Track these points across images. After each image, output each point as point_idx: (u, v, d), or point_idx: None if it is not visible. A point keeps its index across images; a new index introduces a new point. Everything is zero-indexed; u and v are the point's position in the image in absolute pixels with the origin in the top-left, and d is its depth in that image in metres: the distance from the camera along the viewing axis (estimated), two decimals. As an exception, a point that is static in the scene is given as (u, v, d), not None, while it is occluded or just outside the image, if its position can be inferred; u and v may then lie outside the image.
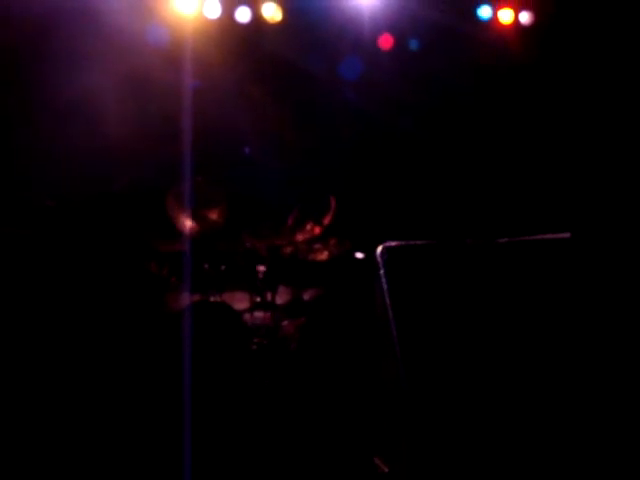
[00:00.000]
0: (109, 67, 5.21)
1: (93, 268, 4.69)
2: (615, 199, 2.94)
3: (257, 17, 5.60)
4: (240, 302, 4.96)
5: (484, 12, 5.73)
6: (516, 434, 2.60)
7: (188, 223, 4.85)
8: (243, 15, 5.58)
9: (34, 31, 4.92)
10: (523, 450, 2.58)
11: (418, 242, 2.78)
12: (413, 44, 5.88)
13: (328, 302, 4.89)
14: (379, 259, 2.70)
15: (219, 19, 5.52)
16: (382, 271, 2.67)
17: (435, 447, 2.63)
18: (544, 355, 2.69)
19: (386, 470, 2.83)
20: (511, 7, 5.74)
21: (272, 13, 5.58)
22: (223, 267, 4.91)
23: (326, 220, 5.07)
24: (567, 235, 2.75)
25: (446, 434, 2.63)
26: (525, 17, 5.74)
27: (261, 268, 4.87)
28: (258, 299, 4.98)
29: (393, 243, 2.74)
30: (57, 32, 4.97)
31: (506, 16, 5.72)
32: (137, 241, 4.85)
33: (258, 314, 4.97)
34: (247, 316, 4.90)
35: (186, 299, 4.67)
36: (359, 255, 5.12)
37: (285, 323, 4.93)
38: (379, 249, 2.72)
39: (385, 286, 2.65)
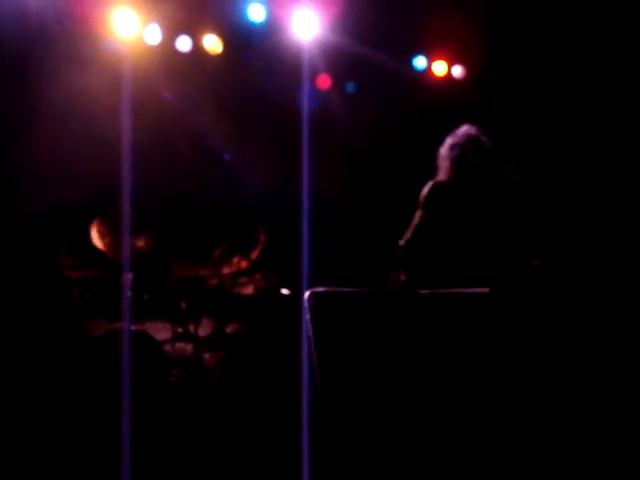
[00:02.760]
0: (43, 84, 5.12)
1: (10, 291, 4.54)
2: (533, 257, 3.10)
3: (198, 47, 5.63)
4: (162, 332, 4.90)
5: (419, 62, 5.94)
6: (433, 470, 2.69)
7: (113, 249, 4.77)
8: (184, 44, 5.59)
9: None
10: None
11: (344, 289, 2.84)
12: (350, 87, 6.03)
13: (251, 336, 4.88)
14: (306, 304, 2.74)
15: (159, 46, 5.51)
16: (308, 316, 2.72)
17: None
18: (458, 402, 2.79)
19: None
20: (445, 60, 5.97)
21: (213, 45, 5.61)
22: (146, 296, 4.85)
23: (254, 254, 5.08)
24: (486, 290, 2.87)
25: (365, 472, 2.69)
26: (458, 71, 5.98)
27: (183, 304, 4.83)
28: (180, 330, 4.93)
29: (320, 289, 2.80)
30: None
31: (440, 68, 5.95)
32: (58, 266, 4.73)
33: (179, 345, 4.92)
34: (168, 347, 4.84)
35: (123, 327, 4.57)
36: (284, 291, 5.15)
37: (206, 356, 4.90)
38: (306, 294, 2.76)
39: (311, 331, 2.69)
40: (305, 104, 5.68)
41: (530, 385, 2.84)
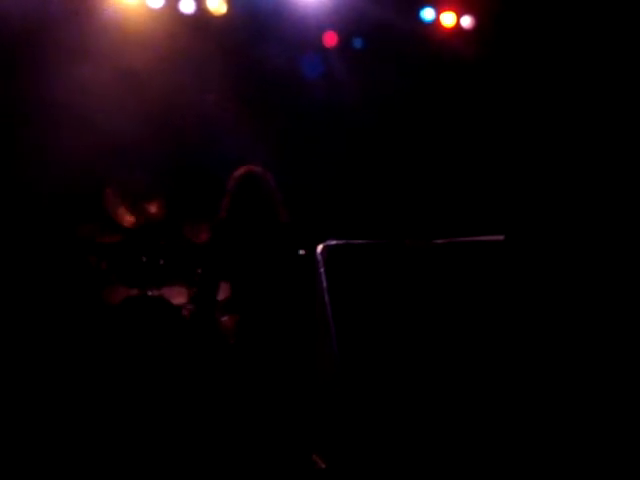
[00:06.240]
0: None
1: (31, 262, 4.58)
2: (547, 204, 3.05)
3: (202, 9, 5.55)
4: (179, 296, 4.91)
5: (427, 14, 5.81)
6: (445, 426, 2.68)
7: (127, 216, 4.79)
8: (187, 6, 5.51)
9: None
10: (452, 442, 2.67)
11: (358, 241, 2.82)
12: (357, 42, 5.92)
13: (268, 298, 4.88)
14: (319, 257, 2.73)
15: (162, 9, 5.45)
16: (322, 269, 2.70)
17: (370, 442, 2.68)
18: (473, 350, 2.78)
19: (324, 466, 2.87)
20: (453, 10, 5.84)
21: (217, 5, 5.53)
22: (162, 261, 4.86)
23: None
24: (501, 238, 2.84)
25: (381, 429, 2.69)
26: (467, 21, 5.85)
27: (199, 269, 4.82)
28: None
29: (333, 242, 2.78)
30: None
31: (448, 19, 5.82)
32: (76, 235, 4.75)
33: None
34: (186, 311, 4.86)
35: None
36: (300, 251, 5.13)
37: (225, 318, 4.91)
38: (319, 248, 2.75)
39: (325, 284, 2.68)
40: (308, 70, 5.62)
41: (540, 332, 2.81)
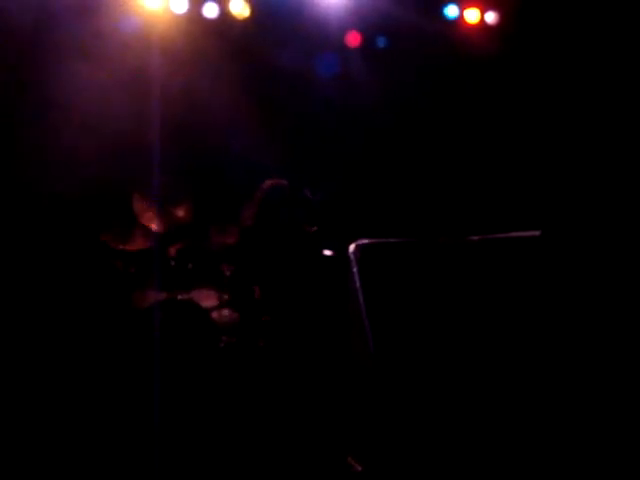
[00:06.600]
0: (70, 64, 5.12)
1: (58, 267, 4.60)
2: (583, 199, 3.00)
3: (225, 13, 5.56)
4: (208, 300, 4.91)
5: (451, 11, 5.78)
6: (485, 428, 2.64)
7: (155, 220, 4.80)
8: (210, 10, 5.53)
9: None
10: (492, 445, 2.62)
11: (391, 240, 2.78)
12: (381, 42, 5.90)
13: (296, 300, 4.87)
14: (352, 257, 2.70)
15: (186, 14, 5.47)
16: (355, 269, 2.67)
17: (407, 445, 2.64)
18: (511, 349, 2.73)
19: (359, 469, 2.84)
20: (477, 7, 5.80)
21: (240, 9, 5.54)
22: (190, 265, 4.86)
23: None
24: (537, 233, 2.79)
25: (418, 431, 2.65)
26: (491, 17, 5.81)
27: (227, 271, 4.84)
28: (226, 297, 4.94)
29: (366, 241, 2.75)
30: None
31: (472, 15, 5.78)
32: (102, 239, 4.77)
33: (226, 312, 4.93)
34: (215, 314, 4.86)
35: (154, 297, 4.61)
36: (327, 252, 5.11)
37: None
38: (352, 247, 2.72)
39: (358, 284, 2.65)
40: (328, 70, 5.61)
41: (578, 329, 2.76)
